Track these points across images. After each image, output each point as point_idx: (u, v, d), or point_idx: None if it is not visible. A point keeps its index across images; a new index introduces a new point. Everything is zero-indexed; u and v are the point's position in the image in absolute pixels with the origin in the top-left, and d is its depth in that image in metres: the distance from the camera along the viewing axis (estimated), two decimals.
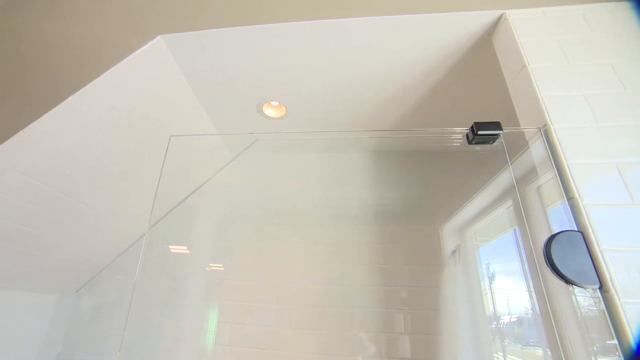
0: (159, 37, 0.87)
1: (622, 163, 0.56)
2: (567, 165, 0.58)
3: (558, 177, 0.58)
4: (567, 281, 0.49)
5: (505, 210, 0.97)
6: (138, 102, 0.94)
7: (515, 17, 0.78)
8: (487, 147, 0.67)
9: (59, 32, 0.95)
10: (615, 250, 0.50)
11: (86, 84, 0.85)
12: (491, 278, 1.23)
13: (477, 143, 0.65)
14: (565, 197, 0.57)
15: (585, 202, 0.54)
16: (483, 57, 0.89)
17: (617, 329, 0.48)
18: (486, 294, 1.18)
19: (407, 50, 0.89)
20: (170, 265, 1.27)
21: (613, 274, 0.48)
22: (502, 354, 1.14)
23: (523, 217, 0.66)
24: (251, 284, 1.24)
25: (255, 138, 0.91)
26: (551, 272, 0.50)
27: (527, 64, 0.70)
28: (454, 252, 1.22)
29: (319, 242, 1.28)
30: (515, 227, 0.92)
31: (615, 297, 0.47)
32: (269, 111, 1.15)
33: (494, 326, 1.18)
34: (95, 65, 0.85)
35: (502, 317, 1.21)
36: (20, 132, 0.84)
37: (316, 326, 1.17)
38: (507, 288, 1.17)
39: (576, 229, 0.53)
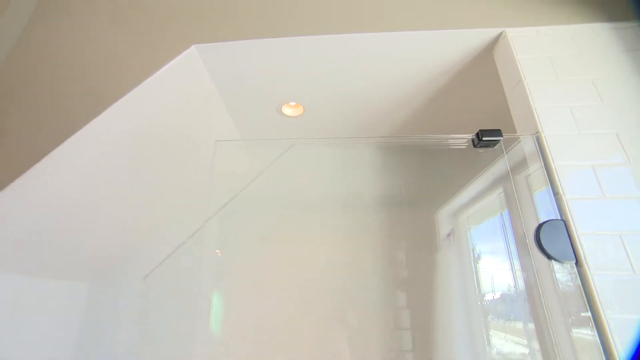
0: (193, 47, 0.96)
1: (596, 165, 0.70)
2: (554, 166, 0.71)
3: (547, 176, 0.71)
4: (552, 258, 0.63)
5: (496, 197, 1.11)
6: (172, 109, 1.03)
7: (514, 35, 0.90)
8: (489, 149, 0.79)
9: (99, 43, 1.02)
10: (589, 234, 0.63)
11: (126, 93, 0.93)
12: (477, 258, 1.39)
13: (481, 147, 0.78)
14: (552, 192, 0.70)
15: (567, 197, 0.67)
16: (485, 67, 1.01)
17: (589, 297, 0.62)
18: (476, 273, 1.34)
19: (416, 61, 1.01)
20: (188, 253, 1.38)
21: (586, 252, 0.62)
22: (485, 329, 1.31)
23: (516, 201, 0.79)
24: (265, 270, 1.37)
25: (291, 143, 1.01)
26: (539, 252, 0.64)
27: (523, 79, 0.82)
28: (448, 235, 1.37)
29: (329, 229, 1.40)
30: (505, 210, 1.04)
31: (587, 270, 0.61)
32: (287, 110, 1.25)
33: (479, 303, 1.34)
34: (135, 73, 0.94)
35: (486, 295, 1.37)
36: (67, 140, 0.92)
37: (327, 304, 1.31)
38: (493, 267, 1.33)
39: (560, 218, 0.66)
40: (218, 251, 1.37)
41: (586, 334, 0.61)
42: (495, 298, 1.33)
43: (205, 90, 1.09)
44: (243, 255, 1.29)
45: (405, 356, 1.19)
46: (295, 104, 1.23)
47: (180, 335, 1.19)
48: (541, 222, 0.66)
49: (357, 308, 1.25)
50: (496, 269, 1.35)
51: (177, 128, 1.11)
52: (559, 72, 0.83)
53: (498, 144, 0.78)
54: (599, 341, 0.58)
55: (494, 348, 1.27)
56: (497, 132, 0.75)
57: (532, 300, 0.76)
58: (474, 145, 0.78)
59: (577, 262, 0.62)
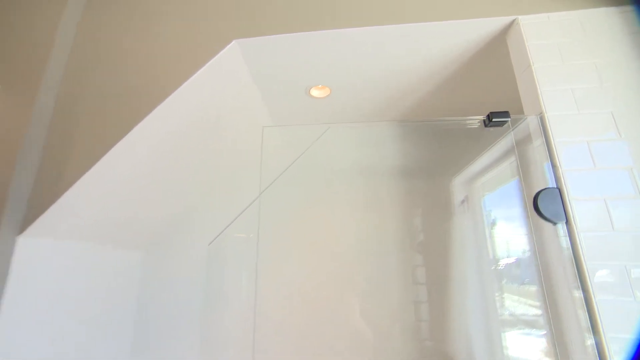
0: (234, 42, 1.08)
1: (590, 140, 0.81)
2: (554, 142, 0.83)
3: (547, 151, 0.83)
4: (546, 219, 0.77)
5: (508, 166, 1.22)
6: (217, 95, 1.18)
7: (525, 22, 0.98)
8: (498, 128, 0.91)
9: (143, 42, 1.16)
10: (578, 199, 0.77)
11: (178, 87, 1.07)
12: (492, 224, 1.52)
13: (491, 126, 0.90)
14: (550, 165, 0.82)
15: (563, 169, 0.80)
16: (499, 52, 1.09)
17: (574, 251, 0.76)
18: (488, 238, 1.48)
19: (435, 48, 1.10)
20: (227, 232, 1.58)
21: (575, 213, 0.76)
22: (499, 293, 1.46)
23: (523, 173, 0.92)
24: (301, 235, 1.56)
25: (327, 127, 1.15)
26: (536, 214, 0.78)
27: (531, 64, 0.92)
28: (463, 201, 1.51)
29: (354, 199, 1.58)
30: (515, 179, 1.14)
31: (574, 228, 0.75)
32: (315, 92, 1.37)
33: (493, 268, 1.49)
34: (186, 68, 1.07)
35: (499, 258, 1.52)
36: (133, 129, 1.08)
37: (353, 263, 1.50)
38: (505, 232, 1.46)
39: (555, 187, 0.79)
40: (242, 234, 1.59)
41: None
42: (507, 262, 1.47)
43: (243, 79, 1.22)
44: (285, 224, 1.49)
45: (421, 306, 1.38)
46: (322, 87, 1.35)
47: (238, 299, 1.42)
48: (539, 190, 0.79)
49: (379, 266, 1.44)
50: (507, 233, 1.49)
51: (222, 114, 1.26)
52: (565, 57, 0.93)
53: (506, 124, 0.90)
54: (582, 295, 0.72)
55: (506, 310, 1.42)
56: (505, 114, 0.86)
57: (538, 264, 0.90)
58: (485, 125, 0.90)
59: (567, 222, 0.76)
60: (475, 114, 1.37)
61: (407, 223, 1.51)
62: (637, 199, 0.76)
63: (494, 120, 0.86)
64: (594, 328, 0.69)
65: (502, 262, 1.46)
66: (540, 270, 0.88)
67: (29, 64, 1.18)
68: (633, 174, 0.78)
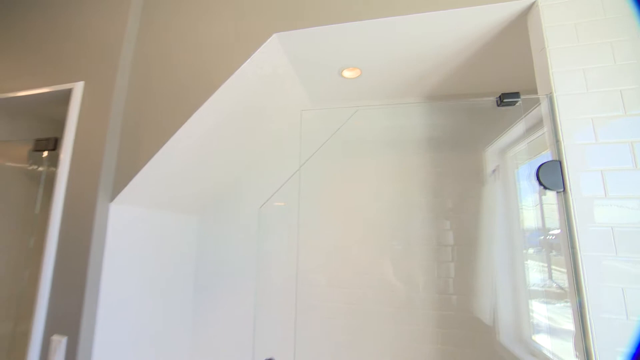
0: (274, 35, 1.22)
1: (595, 117, 0.90)
2: (560, 120, 0.92)
3: (552, 128, 0.93)
4: (545, 187, 0.89)
5: (538, 139, 1.29)
6: (258, 85, 1.35)
7: (544, 4, 1.03)
8: (510, 107, 1.01)
9: (194, 39, 1.34)
10: (576, 171, 0.87)
11: (227, 79, 1.24)
12: (524, 194, 1.58)
13: (503, 106, 1.00)
14: (555, 141, 0.93)
15: (565, 143, 0.90)
16: (522, 33, 1.15)
17: (568, 216, 0.87)
18: (519, 207, 1.57)
19: (458, 30, 1.18)
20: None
21: (571, 183, 0.87)
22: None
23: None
24: (338, 204, 1.76)
25: (356, 109, 1.30)
26: (537, 183, 0.90)
27: (546, 46, 0.99)
28: (494, 171, 1.61)
29: (383, 169, 1.74)
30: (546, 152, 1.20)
31: (570, 196, 0.86)
32: (347, 73, 1.51)
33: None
34: (232, 60, 1.25)
35: (530, 229, 1.58)
36: (191, 117, 1.29)
37: (384, 227, 1.68)
38: (537, 203, 1.52)
39: (557, 160, 0.90)
40: (282, 203, 1.83)
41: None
42: (536, 231, 1.53)
43: (282, 66, 1.38)
44: (321, 193, 1.72)
45: (448, 265, 1.56)
46: (353, 68, 1.48)
47: (284, 256, 1.68)
48: (542, 162, 0.91)
49: (408, 230, 1.63)
50: (538, 204, 1.55)
51: (264, 97, 1.45)
52: (581, 37, 0.98)
53: (518, 103, 0.99)
54: (570, 253, 0.85)
55: (533, 278, 1.52)
56: (516, 95, 0.96)
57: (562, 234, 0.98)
58: (497, 105, 1.00)
59: (564, 190, 0.88)
60: (501, 89, 1.47)
61: (436, 192, 1.65)
62: (633, 170, 0.85)
63: (505, 100, 0.96)
64: (578, 285, 0.83)
65: (532, 232, 1.54)
66: (567, 240, 0.95)
67: (105, 61, 1.42)
68: (633, 147, 0.87)
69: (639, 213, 0.82)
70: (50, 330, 1.24)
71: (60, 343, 1.21)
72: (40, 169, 1.92)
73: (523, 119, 1.06)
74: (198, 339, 1.75)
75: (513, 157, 1.63)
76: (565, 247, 0.89)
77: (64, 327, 1.23)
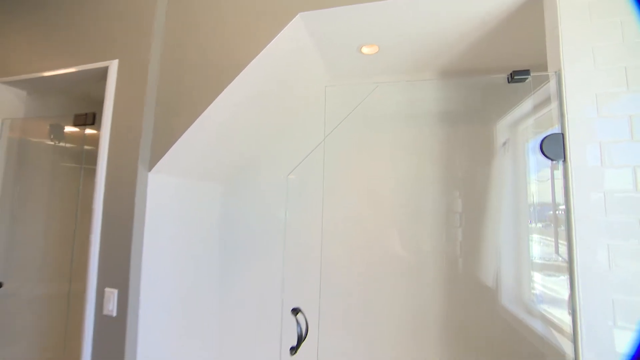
0: (298, 15, 1.29)
1: (599, 93, 0.97)
2: (565, 96, 1.00)
3: (558, 103, 1.01)
4: (548, 157, 0.98)
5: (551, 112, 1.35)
6: (283, 62, 1.43)
7: None
8: (520, 84, 1.09)
9: (222, 19, 1.41)
10: (577, 143, 0.96)
11: (254, 57, 1.33)
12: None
13: (514, 82, 1.07)
14: (560, 114, 1.01)
15: (569, 117, 0.98)
16: (535, 10, 1.19)
17: (566, 186, 0.97)
18: (528, 180, 1.66)
19: (476, 7, 1.23)
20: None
21: (571, 153, 0.96)
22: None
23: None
24: (356, 175, 1.89)
25: (376, 85, 1.39)
26: (540, 154, 0.99)
27: (559, 25, 1.04)
28: (504, 144, 1.69)
29: (399, 142, 1.85)
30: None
31: (569, 165, 0.96)
32: (365, 50, 1.58)
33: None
34: (259, 40, 1.32)
35: (538, 202, 1.65)
36: (221, 94, 1.38)
37: (397, 196, 1.81)
38: (546, 177, 1.57)
39: (559, 132, 0.99)
40: (292, 176, 1.96)
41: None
42: (545, 205, 1.60)
43: (305, 43, 1.46)
44: (343, 163, 1.86)
45: (455, 230, 1.69)
46: (371, 45, 1.54)
47: (311, 220, 1.85)
48: (546, 135, 1.00)
49: (419, 198, 1.76)
50: (547, 178, 1.62)
51: (288, 74, 1.54)
52: (594, 17, 1.03)
53: (527, 80, 1.06)
54: (565, 217, 0.96)
55: (537, 250, 1.61)
56: (526, 72, 1.03)
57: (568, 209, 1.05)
58: (508, 82, 1.07)
59: (564, 160, 0.97)
60: (514, 64, 1.53)
61: (448, 163, 1.74)
62: (630, 141, 0.94)
63: (515, 77, 1.04)
64: (570, 243, 0.94)
65: (542, 206, 1.62)
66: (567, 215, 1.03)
67: (137, 39, 1.50)
68: (631, 121, 0.95)
69: (631, 180, 0.92)
70: (103, 284, 1.43)
71: (112, 294, 1.40)
72: (61, 144, 2.07)
73: (532, 95, 1.13)
74: (225, 294, 1.96)
75: (524, 131, 1.70)
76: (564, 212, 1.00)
77: (114, 281, 1.41)
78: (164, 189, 1.56)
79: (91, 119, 1.62)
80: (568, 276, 0.94)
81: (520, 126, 1.70)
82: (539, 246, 1.60)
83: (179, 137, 1.42)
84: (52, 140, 2.04)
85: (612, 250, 0.91)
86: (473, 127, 1.75)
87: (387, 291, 1.76)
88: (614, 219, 0.92)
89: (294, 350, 1.12)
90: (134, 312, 1.39)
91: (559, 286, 1.41)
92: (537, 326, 1.45)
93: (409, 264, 1.75)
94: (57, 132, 2.05)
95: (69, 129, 2.04)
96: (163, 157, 1.45)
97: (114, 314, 1.37)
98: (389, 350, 1.74)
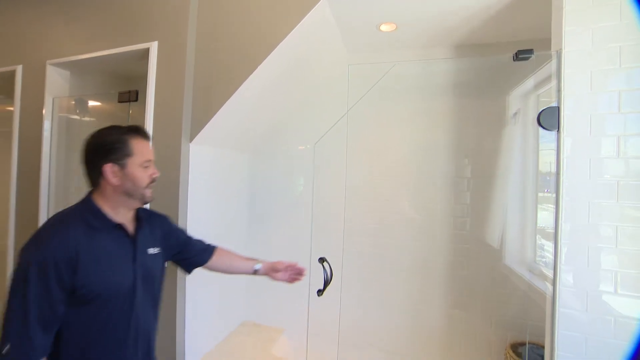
0: None
1: (593, 70, 1.09)
2: (563, 73, 1.12)
3: (557, 78, 1.14)
4: (544, 128, 1.13)
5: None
6: (308, 42, 1.57)
7: None
8: (524, 61, 1.21)
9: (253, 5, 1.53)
10: (570, 115, 1.10)
11: (283, 38, 1.46)
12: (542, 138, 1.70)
13: (519, 60, 1.19)
14: (557, 89, 1.14)
15: (565, 92, 1.11)
16: None
17: (558, 154, 1.12)
18: (536, 150, 1.78)
19: None
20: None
21: (565, 124, 1.10)
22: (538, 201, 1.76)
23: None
24: (374, 143, 2.08)
25: (394, 64, 1.53)
26: (538, 125, 1.14)
27: (564, 6, 1.14)
28: (515, 114, 1.80)
29: (414, 113, 2.00)
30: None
31: (562, 134, 1.11)
32: (384, 27, 1.70)
33: (536, 178, 1.76)
34: (288, 21, 1.45)
35: (545, 171, 1.74)
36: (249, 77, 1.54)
37: (411, 163, 2.00)
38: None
39: (556, 105, 1.12)
40: (301, 147, 2.15)
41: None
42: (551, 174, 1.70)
43: (328, 24, 1.58)
44: (363, 134, 2.04)
45: (464, 194, 1.88)
46: (389, 23, 1.66)
47: (335, 182, 2.06)
48: (544, 108, 1.14)
49: (431, 165, 1.94)
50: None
51: (312, 55, 1.68)
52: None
53: (531, 58, 1.18)
54: (555, 178, 1.11)
55: (542, 214, 1.74)
56: (530, 51, 1.15)
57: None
58: (513, 60, 1.20)
59: (558, 130, 1.12)
60: (526, 38, 1.63)
61: (459, 133, 1.89)
62: (617, 114, 1.07)
63: (520, 56, 1.16)
64: (557, 201, 1.11)
65: (548, 174, 1.69)
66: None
67: (174, 22, 1.65)
68: (620, 96, 1.07)
69: (614, 148, 1.07)
70: None
71: None
72: (88, 119, 2.27)
73: (539, 71, 1.25)
74: (255, 250, 2.22)
75: (534, 101, 1.81)
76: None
77: None
78: (203, 158, 1.76)
79: (134, 96, 1.80)
80: (554, 228, 1.12)
81: (530, 98, 1.81)
82: (546, 213, 1.75)
83: (215, 112, 1.61)
84: (77, 115, 2.23)
85: (593, 208, 1.08)
86: (483, 99, 1.87)
87: (399, 246, 2.00)
88: (597, 182, 1.08)
89: (320, 292, 1.35)
90: None
91: None
92: (530, 278, 1.66)
93: (420, 223, 1.96)
94: (83, 108, 2.25)
95: (92, 103, 2.25)
96: (202, 130, 1.65)
97: None
98: (399, 294, 2.00)
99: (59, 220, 0.88)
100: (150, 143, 1.00)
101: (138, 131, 0.96)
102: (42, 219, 1.99)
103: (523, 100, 1.84)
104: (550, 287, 1.14)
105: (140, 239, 0.97)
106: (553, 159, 1.14)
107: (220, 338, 1.98)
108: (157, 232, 1.05)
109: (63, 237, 0.82)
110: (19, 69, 2.13)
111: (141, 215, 1.01)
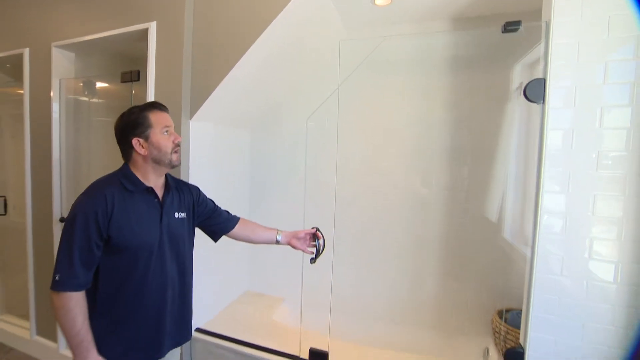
0: None
1: (581, 41, 1.10)
2: (551, 44, 1.13)
3: (544, 51, 1.14)
4: (531, 100, 1.15)
5: None
6: (301, 21, 1.58)
7: None
8: (514, 34, 1.21)
9: None
10: (556, 87, 1.12)
11: (276, 15, 1.48)
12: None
13: (507, 32, 1.20)
14: (544, 61, 1.15)
15: (552, 65, 1.12)
16: None
17: (542, 124, 1.14)
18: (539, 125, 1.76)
19: None
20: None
21: (550, 95, 1.12)
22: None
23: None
24: (370, 115, 2.12)
25: (383, 39, 1.53)
26: (523, 97, 1.16)
27: None
28: (517, 88, 1.77)
29: (411, 88, 2.01)
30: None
31: (546, 106, 1.13)
32: (379, 1, 1.69)
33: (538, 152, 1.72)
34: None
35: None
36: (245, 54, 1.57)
37: (407, 137, 2.03)
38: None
39: (542, 78, 1.14)
40: (298, 123, 2.20)
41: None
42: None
43: (324, 2, 1.58)
44: (357, 109, 2.08)
45: (461, 168, 1.91)
46: None
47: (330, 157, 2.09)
48: (530, 80, 1.15)
49: (428, 139, 1.97)
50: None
51: (307, 31, 1.69)
52: None
53: (519, 30, 1.19)
54: (538, 149, 1.14)
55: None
56: (518, 23, 1.15)
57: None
58: (502, 32, 1.20)
59: (543, 102, 1.14)
60: (525, 7, 1.59)
61: (458, 107, 1.89)
62: (602, 85, 1.09)
63: (508, 28, 1.16)
64: (539, 170, 1.14)
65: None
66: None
67: (174, 3, 1.67)
68: (607, 66, 1.08)
69: (597, 119, 1.09)
70: None
71: None
72: (94, 99, 2.34)
73: (539, 45, 1.24)
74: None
75: (538, 74, 1.76)
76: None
77: None
78: (203, 135, 1.83)
79: (136, 75, 1.86)
80: (535, 196, 1.16)
81: (535, 70, 1.76)
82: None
83: (214, 89, 1.66)
84: (85, 96, 2.31)
85: (573, 177, 1.11)
86: (485, 72, 1.86)
87: (394, 219, 2.07)
88: (576, 151, 1.11)
89: (313, 260, 1.42)
90: None
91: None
92: (525, 251, 1.70)
93: (415, 195, 2.02)
94: (89, 88, 2.32)
95: (98, 85, 2.31)
96: (201, 107, 1.71)
97: None
98: (393, 265, 2.09)
99: (101, 182, 1.05)
100: (167, 114, 1.13)
101: (154, 105, 1.11)
102: (56, 197, 2.11)
103: (527, 73, 1.81)
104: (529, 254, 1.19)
105: (167, 203, 1.11)
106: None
107: (223, 306, 2.12)
108: (186, 199, 1.20)
109: (102, 195, 0.98)
110: (26, 52, 2.20)
111: (170, 183, 1.16)
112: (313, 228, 1.42)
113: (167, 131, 1.08)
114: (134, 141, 1.05)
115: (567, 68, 1.12)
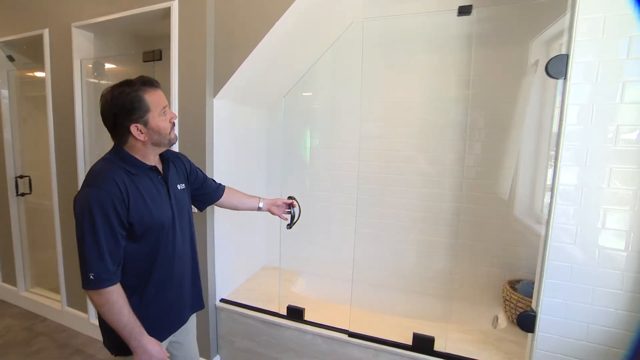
0: None
1: (607, 16, 1.11)
2: (577, 18, 1.14)
3: (569, 26, 1.16)
4: (552, 77, 1.18)
5: None
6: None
7: None
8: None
9: None
10: (578, 62, 1.14)
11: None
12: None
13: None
14: (568, 36, 1.17)
15: (576, 40, 1.14)
16: None
17: (563, 101, 1.17)
18: (554, 102, 1.76)
19: None
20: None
21: (572, 72, 1.15)
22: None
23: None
24: (381, 101, 2.15)
25: (362, 21, 1.62)
26: (545, 74, 1.19)
27: None
28: (533, 65, 1.77)
29: (425, 65, 2.03)
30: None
31: (569, 82, 1.16)
32: None
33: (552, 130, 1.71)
34: None
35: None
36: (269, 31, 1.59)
37: (421, 119, 2.07)
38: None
39: (565, 53, 1.16)
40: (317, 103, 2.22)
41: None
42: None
43: None
44: (375, 88, 2.11)
45: (474, 144, 1.95)
46: None
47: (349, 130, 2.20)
48: (553, 56, 1.18)
49: (443, 116, 2.01)
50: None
51: (325, 10, 1.71)
52: None
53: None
54: (559, 124, 1.18)
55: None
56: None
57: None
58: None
59: (565, 78, 1.17)
60: None
61: (474, 83, 1.90)
62: (625, 60, 1.11)
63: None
64: (559, 137, 1.19)
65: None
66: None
67: None
68: (630, 41, 1.10)
69: (618, 94, 1.12)
70: None
71: None
72: (102, 82, 2.36)
73: (558, 20, 1.26)
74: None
75: (556, 51, 1.74)
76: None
77: None
78: (226, 112, 1.88)
79: (158, 55, 1.89)
80: (553, 169, 1.21)
81: (553, 46, 1.76)
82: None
83: (237, 68, 1.69)
84: (95, 78, 2.33)
85: (591, 151, 1.16)
86: (501, 48, 1.86)
87: (408, 193, 2.14)
88: (595, 125, 1.15)
89: (289, 226, 1.51)
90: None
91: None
92: (537, 227, 1.76)
93: (428, 171, 2.08)
94: (98, 69, 2.35)
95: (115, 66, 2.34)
96: (224, 86, 1.75)
97: None
98: (408, 238, 2.18)
99: (103, 171, 0.95)
100: (161, 89, 1.02)
101: (148, 83, 0.98)
102: (81, 179, 2.20)
103: (545, 49, 1.81)
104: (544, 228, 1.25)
105: (170, 176, 1.09)
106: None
107: (244, 279, 2.24)
108: (181, 169, 1.19)
109: (113, 183, 0.92)
110: (46, 33, 2.23)
111: (167, 156, 1.12)
112: (289, 198, 1.50)
113: (164, 112, 1.00)
114: (132, 128, 0.95)
115: (591, 43, 1.14)
